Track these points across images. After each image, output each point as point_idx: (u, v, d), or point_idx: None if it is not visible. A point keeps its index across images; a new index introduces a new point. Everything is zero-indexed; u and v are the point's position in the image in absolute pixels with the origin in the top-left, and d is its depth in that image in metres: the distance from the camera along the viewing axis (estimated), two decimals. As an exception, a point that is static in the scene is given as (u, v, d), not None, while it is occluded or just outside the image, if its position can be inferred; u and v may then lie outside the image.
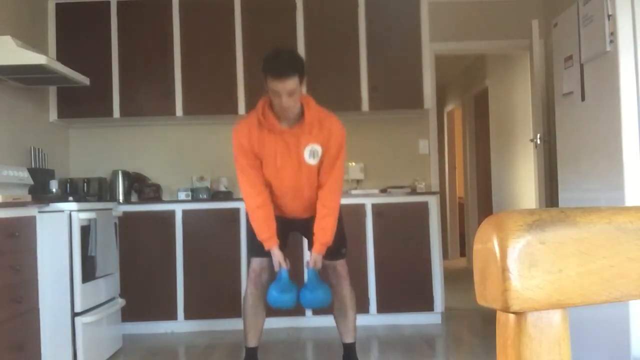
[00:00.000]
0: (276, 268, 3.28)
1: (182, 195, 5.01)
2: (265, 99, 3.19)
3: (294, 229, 3.48)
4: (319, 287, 3.30)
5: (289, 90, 3.02)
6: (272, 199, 3.31)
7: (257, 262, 3.36)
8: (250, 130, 3.18)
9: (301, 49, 4.98)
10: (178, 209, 4.78)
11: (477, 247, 0.50)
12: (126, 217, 4.53)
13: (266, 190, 3.26)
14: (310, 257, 3.31)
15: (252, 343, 3.42)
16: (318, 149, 3.20)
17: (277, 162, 3.19)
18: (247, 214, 3.36)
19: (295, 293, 3.28)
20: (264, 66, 3.07)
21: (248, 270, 3.46)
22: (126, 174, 5.13)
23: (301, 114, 3.17)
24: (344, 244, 3.40)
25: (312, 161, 3.21)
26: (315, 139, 3.19)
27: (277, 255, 3.27)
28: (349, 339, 3.44)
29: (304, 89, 3.22)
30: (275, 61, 3.07)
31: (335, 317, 3.46)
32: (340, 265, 3.38)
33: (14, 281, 3.15)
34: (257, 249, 3.31)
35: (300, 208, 3.35)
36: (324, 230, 3.26)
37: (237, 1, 5.02)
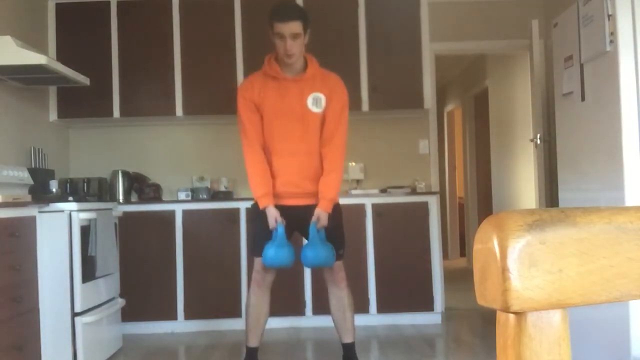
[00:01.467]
0: (272, 225, 3.24)
1: (182, 195, 5.01)
2: (271, 54, 3.31)
3: (294, 222, 3.37)
4: (322, 245, 3.24)
5: (293, 34, 3.15)
6: (273, 167, 3.30)
7: (261, 262, 3.35)
8: (253, 83, 3.30)
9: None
10: (178, 209, 4.78)
11: (477, 247, 0.50)
12: (126, 217, 4.53)
13: (264, 153, 3.29)
14: (315, 211, 3.25)
15: (253, 343, 3.42)
16: (321, 97, 3.27)
17: (279, 109, 3.24)
18: (246, 217, 3.36)
19: (292, 251, 3.25)
20: (270, 14, 3.22)
21: (252, 271, 3.42)
22: (126, 174, 5.13)
23: (304, 67, 3.28)
24: (342, 246, 3.39)
25: (316, 109, 3.26)
26: (319, 88, 3.27)
27: (273, 212, 3.25)
28: (348, 339, 3.43)
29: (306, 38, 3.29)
30: (281, 6, 3.24)
31: (333, 318, 3.46)
32: (338, 266, 3.37)
33: (14, 281, 3.15)
34: (260, 249, 3.30)
35: (302, 173, 3.30)
36: (329, 185, 3.26)
37: (237, 1, 5.02)
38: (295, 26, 3.15)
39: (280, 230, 3.22)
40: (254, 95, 3.26)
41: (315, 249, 3.25)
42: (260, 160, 3.27)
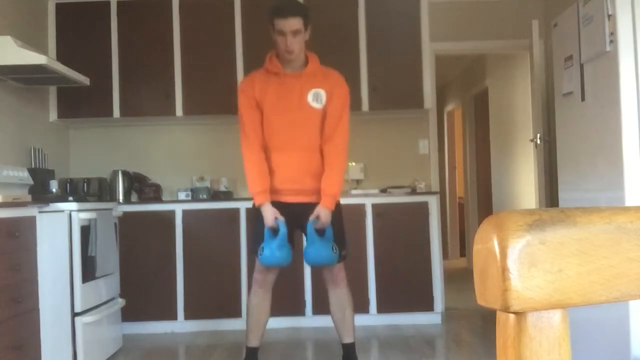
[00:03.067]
0: (270, 222, 3.21)
1: (182, 195, 5.01)
2: (272, 51, 3.31)
3: (294, 219, 3.33)
4: (321, 243, 3.22)
5: (294, 30, 3.15)
6: (272, 163, 3.29)
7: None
8: (254, 79, 3.31)
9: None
10: (178, 209, 4.78)
11: (477, 247, 0.50)
12: (126, 217, 4.53)
13: (263, 150, 3.29)
14: (316, 209, 3.23)
15: (253, 343, 3.42)
16: (322, 92, 3.27)
17: (280, 105, 3.25)
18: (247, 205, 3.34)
19: (290, 250, 3.24)
20: (270, 10, 3.23)
21: (252, 271, 3.42)
22: (126, 174, 5.13)
23: (305, 64, 3.29)
24: (344, 246, 3.37)
25: (316, 104, 3.26)
26: (320, 84, 3.27)
27: (270, 210, 3.22)
28: (348, 339, 3.43)
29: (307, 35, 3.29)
30: (281, 2, 3.25)
31: (333, 318, 3.45)
32: (338, 266, 3.36)
33: (14, 281, 3.15)
34: (260, 249, 3.29)
35: (302, 169, 3.28)
36: (330, 181, 3.24)
37: (237, 1, 5.02)
38: (295, 23, 3.15)
39: (283, 229, 3.19)
40: (254, 92, 3.26)
41: (315, 247, 3.23)
42: (258, 158, 3.27)
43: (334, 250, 3.24)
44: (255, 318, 3.39)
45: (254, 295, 3.38)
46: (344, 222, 3.42)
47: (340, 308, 3.41)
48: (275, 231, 3.23)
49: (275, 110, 3.26)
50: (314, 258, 3.29)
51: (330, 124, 3.26)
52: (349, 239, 3.51)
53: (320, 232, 3.24)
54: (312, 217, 3.23)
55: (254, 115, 3.26)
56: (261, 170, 3.26)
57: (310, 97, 3.25)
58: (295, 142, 3.27)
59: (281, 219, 3.22)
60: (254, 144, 3.27)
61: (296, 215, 3.31)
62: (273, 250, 3.19)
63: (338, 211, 3.34)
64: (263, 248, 3.21)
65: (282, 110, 3.25)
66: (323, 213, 3.23)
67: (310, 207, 3.25)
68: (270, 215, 3.22)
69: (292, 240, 3.37)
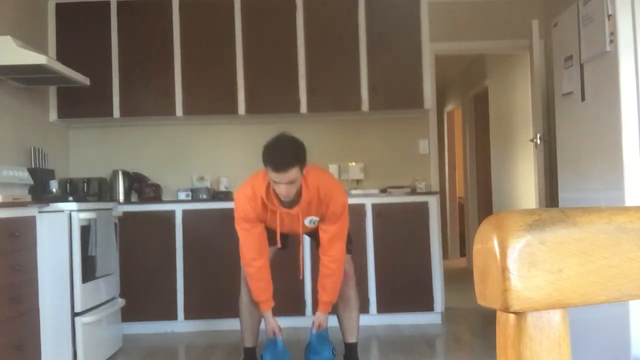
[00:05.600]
0: (269, 335, 3.34)
1: (182, 195, 5.01)
2: (265, 176, 3.15)
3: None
4: (321, 347, 3.37)
5: (289, 180, 3.03)
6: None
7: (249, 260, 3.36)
8: (253, 206, 3.20)
9: (301, 49, 4.98)
10: (178, 209, 4.77)
11: (477, 247, 0.50)
12: (126, 217, 4.53)
13: (267, 253, 3.31)
14: (314, 318, 3.38)
15: (249, 343, 3.43)
16: (316, 219, 3.31)
17: (279, 228, 3.29)
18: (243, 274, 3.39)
19: (290, 357, 3.40)
20: (264, 156, 3.05)
21: (242, 271, 3.45)
22: (126, 174, 5.13)
23: (299, 193, 3.18)
24: (349, 240, 3.40)
25: (312, 225, 3.32)
26: (315, 213, 3.27)
27: (272, 322, 3.34)
28: (351, 339, 3.44)
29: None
30: (275, 153, 3.03)
31: (338, 317, 3.47)
32: (346, 261, 3.38)
33: (14, 281, 3.15)
34: None
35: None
36: (327, 290, 3.32)
37: (237, 1, 5.02)
38: (291, 175, 3.00)
39: (280, 344, 3.34)
40: (256, 214, 3.23)
41: (316, 354, 3.39)
42: (261, 267, 3.29)
43: (334, 353, 3.42)
44: (248, 319, 3.42)
45: (245, 296, 3.43)
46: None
47: (347, 308, 3.43)
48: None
49: (275, 228, 3.32)
50: None
51: (327, 231, 3.27)
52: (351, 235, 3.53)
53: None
54: (314, 329, 3.36)
55: (256, 232, 3.27)
56: (265, 279, 3.32)
57: (306, 222, 3.30)
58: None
59: (280, 336, 3.34)
60: (257, 242, 3.28)
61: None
62: (274, 358, 3.35)
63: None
64: (263, 356, 3.37)
65: (281, 230, 3.33)
66: (322, 319, 3.37)
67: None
68: (270, 327, 3.35)
69: (287, 243, 3.44)
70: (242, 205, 3.21)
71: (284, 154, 3.02)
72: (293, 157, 3.01)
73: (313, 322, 3.39)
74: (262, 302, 3.31)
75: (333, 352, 3.41)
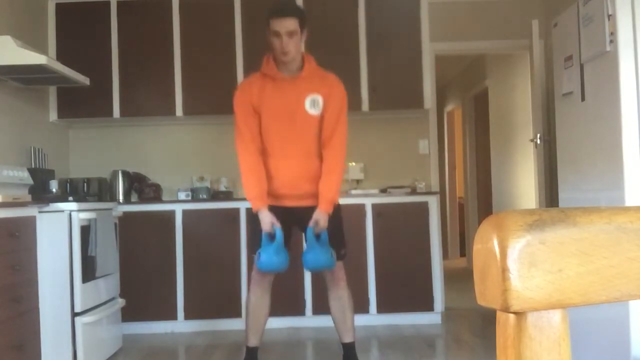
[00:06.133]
0: (267, 228, 3.21)
1: (182, 195, 5.01)
2: (269, 54, 3.29)
3: (294, 222, 3.38)
4: (321, 248, 3.22)
5: (289, 31, 3.13)
6: (271, 169, 3.28)
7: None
8: (251, 84, 3.28)
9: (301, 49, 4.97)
10: (178, 209, 4.78)
11: (477, 247, 0.50)
12: (126, 217, 4.53)
13: (259, 155, 3.26)
14: (315, 214, 3.22)
15: (252, 343, 3.42)
16: (319, 99, 3.25)
17: (277, 111, 3.23)
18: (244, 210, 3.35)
19: (287, 256, 3.24)
20: (266, 13, 3.22)
21: (251, 271, 3.43)
22: (126, 174, 5.13)
23: (302, 66, 3.27)
24: (343, 245, 3.38)
25: (314, 111, 3.24)
26: (316, 89, 3.25)
27: (267, 216, 3.22)
28: (348, 339, 3.43)
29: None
30: (278, 4, 3.25)
31: (333, 318, 3.46)
32: (338, 266, 3.36)
33: (14, 281, 3.15)
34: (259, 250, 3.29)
35: (299, 174, 3.28)
36: (328, 186, 3.23)
37: (237, 1, 5.02)
38: (291, 23, 3.14)
39: (280, 235, 3.20)
40: (252, 97, 3.24)
41: (314, 253, 3.24)
42: (254, 161, 3.25)
43: (332, 255, 3.25)
44: (255, 317, 3.39)
45: (253, 295, 3.39)
46: (343, 221, 3.42)
47: (340, 308, 3.41)
48: (272, 236, 3.23)
49: (273, 117, 3.25)
50: (313, 263, 3.30)
51: (328, 129, 3.25)
52: (349, 238, 3.51)
53: (316, 236, 3.25)
54: (311, 223, 3.23)
55: (251, 120, 3.25)
56: (258, 173, 3.25)
57: (307, 104, 3.24)
58: (294, 148, 3.27)
59: (277, 225, 3.22)
60: (250, 145, 3.25)
61: (297, 219, 3.34)
62: (270, 256, 3.20)
63: (337, 211, 3.35)
64: (260, 254, 3.22)
65: (280, 118, 3.24)
66: (321, 218, 3.23)
67: (310, 210, 3.26)
68: (267, 221, 3.22)
69: (289, 244, 3.39)
70: (238, 87, 3.41)
71: (286, 4, 3.32)
72: (294, 8, 3.29)
73: (312, 219, 3.23)
74: (254, 199, 3.22)
75: (332, 255, 3.24)
